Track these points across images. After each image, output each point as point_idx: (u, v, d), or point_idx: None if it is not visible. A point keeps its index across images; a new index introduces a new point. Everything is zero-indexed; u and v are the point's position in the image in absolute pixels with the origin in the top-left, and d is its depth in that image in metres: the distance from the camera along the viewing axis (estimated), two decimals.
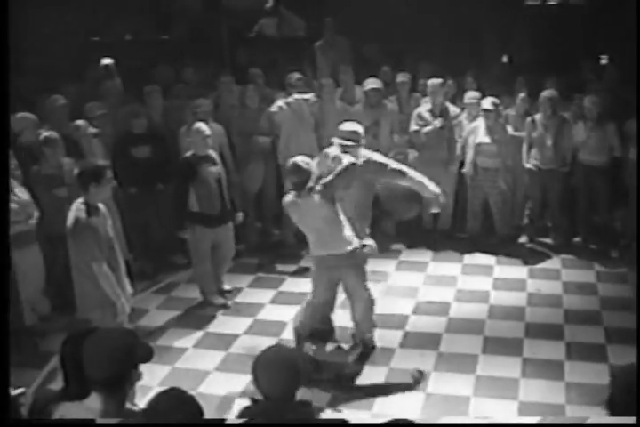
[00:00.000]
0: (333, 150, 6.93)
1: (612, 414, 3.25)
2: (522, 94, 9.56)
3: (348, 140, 6.89)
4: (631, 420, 3.16)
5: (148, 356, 3.54)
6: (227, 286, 8.52)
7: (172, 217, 8.15)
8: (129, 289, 6.32)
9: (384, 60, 11.06)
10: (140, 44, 12.73)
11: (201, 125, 7.87)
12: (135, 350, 3.46)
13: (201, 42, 12.35)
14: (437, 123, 9.26)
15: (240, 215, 8.26)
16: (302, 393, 3.77)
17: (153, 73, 10.69)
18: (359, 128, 7.00)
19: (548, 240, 9.60)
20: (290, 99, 9.32)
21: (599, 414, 3.51)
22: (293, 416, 3.57)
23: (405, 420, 3.25)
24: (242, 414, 3.67)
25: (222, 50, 12.44)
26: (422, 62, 10.74)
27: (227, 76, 10.19)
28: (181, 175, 7.81)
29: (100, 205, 6.08)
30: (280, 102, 9.28)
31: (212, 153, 7.97)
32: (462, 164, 9.46)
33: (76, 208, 5.88)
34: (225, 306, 8.14)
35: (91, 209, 5.91)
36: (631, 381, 3.19)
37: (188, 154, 7.91)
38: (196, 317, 7.97)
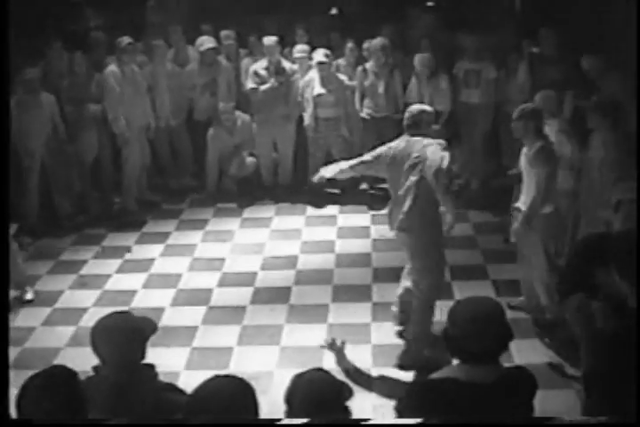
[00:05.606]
0: None
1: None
2: (349, 44, 9.63)
3: None
4: (631, 420, 3.26)
5: None
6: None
7: None
8: None
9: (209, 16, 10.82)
10: None
11: None
12: None
13: (23, 7, 11.79)
14: (274, 80, 9.23)
15: None
16: (155, 358, 3.78)
17: None
18: None
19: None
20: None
21: None
22: (136, 379, 3.64)
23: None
24: (86, 384, 3.61)
25: (47, 16, 11.93)
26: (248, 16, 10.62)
27: (56, 43, 9.72)
28: None
29: None
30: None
31: None
32: (301, 118, 9.48)
33: None
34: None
35: None
36: None
37: None
38: (42, 293, 7.66)
